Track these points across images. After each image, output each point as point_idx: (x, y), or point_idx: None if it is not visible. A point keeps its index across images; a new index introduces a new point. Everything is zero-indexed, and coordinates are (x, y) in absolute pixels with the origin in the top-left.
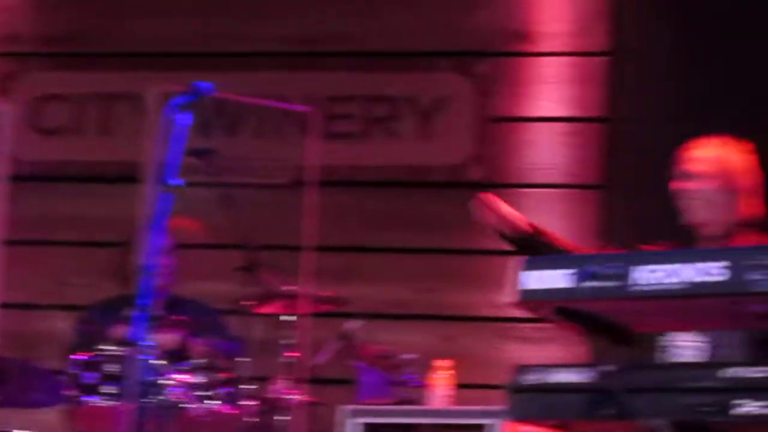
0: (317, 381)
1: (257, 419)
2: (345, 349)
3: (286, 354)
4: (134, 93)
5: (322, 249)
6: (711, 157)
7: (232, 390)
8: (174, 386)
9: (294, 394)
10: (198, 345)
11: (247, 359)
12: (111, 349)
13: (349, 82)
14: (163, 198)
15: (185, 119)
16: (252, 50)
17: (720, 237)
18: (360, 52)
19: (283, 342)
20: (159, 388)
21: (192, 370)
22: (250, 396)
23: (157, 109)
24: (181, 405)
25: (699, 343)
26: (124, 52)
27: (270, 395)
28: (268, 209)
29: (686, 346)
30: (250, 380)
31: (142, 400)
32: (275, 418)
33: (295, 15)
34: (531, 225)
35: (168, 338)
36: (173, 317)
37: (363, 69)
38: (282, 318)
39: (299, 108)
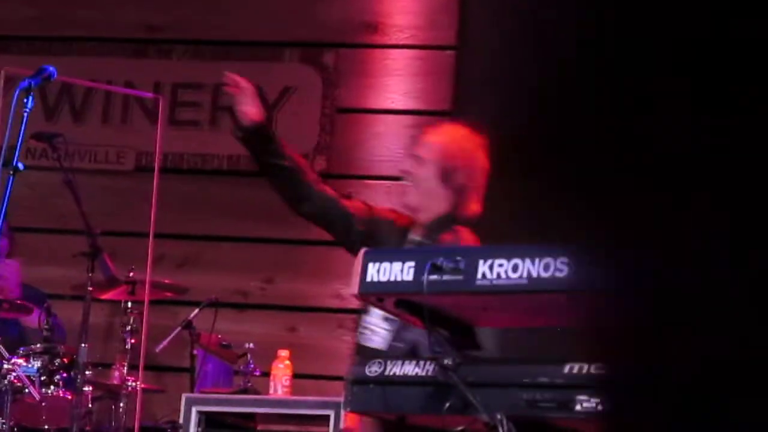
0: (157, 368)
1: (96, 405)
2: (186, 337)
3: (127, 341)
4: None
5: (164, 236)
6: (435, 145)
7: (71, 375)
8: (12, 371)
9: (133, 380)
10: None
11: (87, 345)
12: None
13: (197, 71)
14: (6, 180)
15: (29, 102)
16: (100, 35)
17: (432, 227)
18: (208, 41)
19: (124, 328)
20: None
21: (30, 355)
22: (88, 382)
23: (2, 92)
24: (19, 389)
25: (384, 330)
26: None
27: (109, 381)
28: (111, 195)
29: (375, 332)
30: (90, 366)
31: None
32: (114, 404)
33: (143, 2)
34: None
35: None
36: (14, 300)
37: (210, 57)
38: (123, 304)
39: (146, 94)
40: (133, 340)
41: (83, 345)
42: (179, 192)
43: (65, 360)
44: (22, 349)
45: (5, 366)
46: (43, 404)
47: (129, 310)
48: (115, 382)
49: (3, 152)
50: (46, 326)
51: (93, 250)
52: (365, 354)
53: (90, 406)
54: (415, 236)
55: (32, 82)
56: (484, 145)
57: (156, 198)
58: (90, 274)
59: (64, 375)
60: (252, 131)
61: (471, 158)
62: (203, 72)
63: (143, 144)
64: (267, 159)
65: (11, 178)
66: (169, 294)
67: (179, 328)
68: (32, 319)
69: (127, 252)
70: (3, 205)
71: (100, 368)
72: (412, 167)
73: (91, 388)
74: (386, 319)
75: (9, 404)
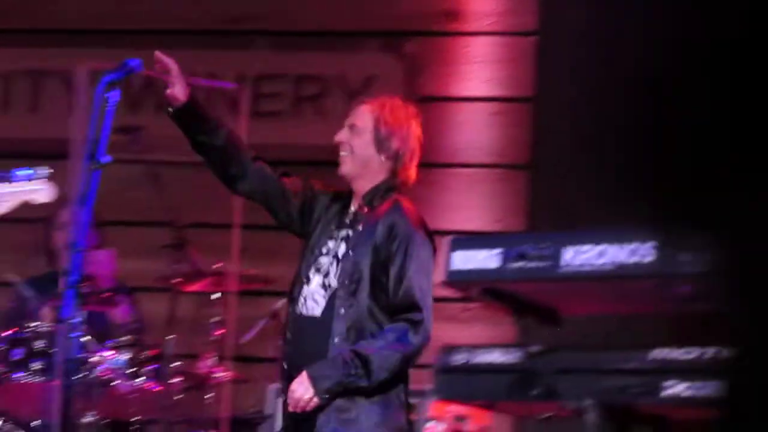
0: (244, 359)
1: (184, 396)
2: (272, 327)
3: (213, 332)
4: (63, 70)
5: (249, 227)
6: (370, 113)
7: (159, 367)
8: (101, 363)
9: (222, 371)
10: (122, 316)
11: (175, 336)
12: (39, 325)
13: (278, 61)
14: (92, 175)
15: (114, 96)
16: (180, 28)
17: (369, 196)
18: (289, 32)
19: (210, 320)
20: (86, 365)
21: (118, 347)
22: (176, 373)
23: (85, 86)
24: (108, 382)
25: (323, 299)
26: (52, 28)
27: (197, 372)
28: (196, 187)
29: (317, 300)
30: (177, 357)
31: (69, 377)
32: (202, 395)
33: None
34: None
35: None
36: (101, 294)
37: (291, 48)
38: (210, 296)
39: (228, 86)
40: (219, 331)
41: (170, 337)
42: None
43: (153, 352)
44: (109, 341)
45: (94, 358)
46: (131, 396)
47: (216, 301)
48: (202, 372)
49: (88, 146)
50: (134, 319)
51: (178, 242)
52: (302, 323)
53: (178, 397)
54: (353, 207)
55: (115, 76)
56: (417, 114)
57: None
58: (175, 267)
59: (152, 367)
60: (181, 111)
61: (406, 126)
62: (285, 63)
63: None
64: (199, 138)
65: (97, 172)
66: (254, 285)
67: (266, 319)
68: (118, 313)
69: (211, 243)
70: (90, 199)
71: (187, 359)
72: (347, 137)
73: (178, 380)
74: (324, 287)
75: (98, 396)
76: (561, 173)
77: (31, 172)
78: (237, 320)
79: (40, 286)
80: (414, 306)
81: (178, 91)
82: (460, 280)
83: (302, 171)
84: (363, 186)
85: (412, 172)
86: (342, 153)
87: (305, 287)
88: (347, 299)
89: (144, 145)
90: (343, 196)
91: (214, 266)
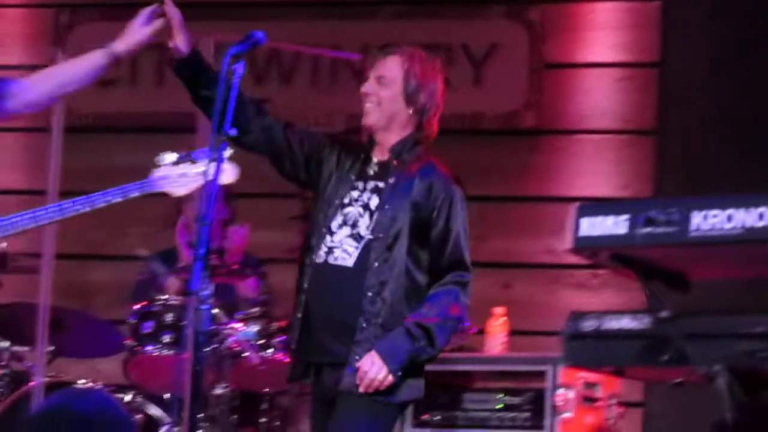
0: None
1: None
2: None
3: None
4: None
5: None
6: (399, 66)
7: (287, 338)
8: (231, 335)
9: None
10: (250, 290)
11: None
12: (169, 298)
13: (402, 30)
14: (219, 147)
15: (239, 68)
16: (304, 0)
17: (396, 149)
18: (412, 1)
19: None
20: (216, 338)
21: (248, 319)
22: None
23: (211, 59)
24: (238, 354)
25: (355, 249)
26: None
27: None
28: None
29: (348, 251)
30: None
31: (199, 349)
32: None
33: None
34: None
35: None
36: (230, 266)
37: (415, 17)
38: None
39: (352, 56)
40: None
41: None
42: None
43: (282, 324)
44: (239, 313)
45: (224, 331)
46: (261, 368)
47: None
48: None
49: (214, 119)
50: (262, 291)
51: (306, 213)
52: (329, 273)
53: None
54: (376, 159)
55: (240, 49)
56: (442, 69)
57: None
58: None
59: (282, 338)
60: (183, 63)
61: (433, 80)
62: (410, 32)
63: (352, 106)
64: (200, 91)
65: (224, 144)
66: None
67: None
68: (245, 287)
69: None
70: (218, 172)
71: None
72: (374, 88)
73: None
74: (355, 238)
75: (228, 369)
76: (687, 138)
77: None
78: None
79: (169, 259)
80: (461, 264)
81: (180, 42)
82: (587, 247)
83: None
84: (388, 138)
85: (435, 126)
86: (368, 104)
87: (328, 237)
88: (383, 253)
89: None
90: (358, 146)
91: None
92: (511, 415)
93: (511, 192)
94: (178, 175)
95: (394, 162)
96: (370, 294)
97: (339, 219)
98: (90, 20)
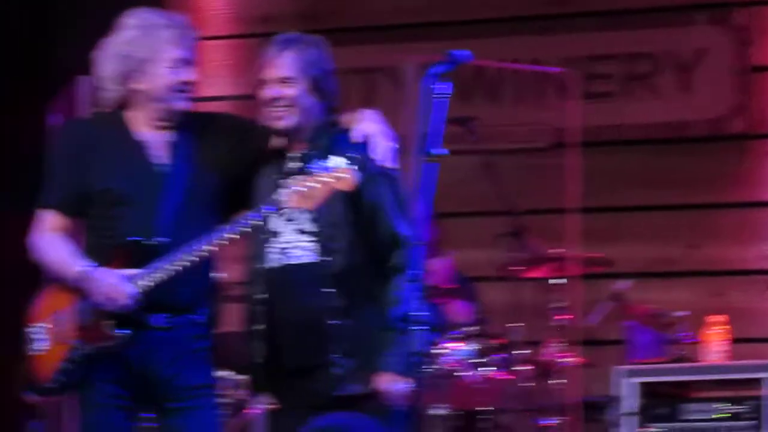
0: (589, 343)
1: (533, 384)
2: (615, 310)
3: (556, 317)
4: (392, 66)
5: (586, 210)
6: (296, 60)
7: (505, 356)
8: (448, 355)
9: (567, 357)
10: (463, 312)
11: (520, 324)
12: None
13: (605, 42)
14: (428, 168)
15: (445, 88)
16: (501, 16)
17: (314, 138)
18: (614, 11)
19: (553, 305)
20: (433, 358)
21: (464, 338)
22: (523, 361)
23: (415, 81)
24: (455, 373)
25: (309, 243)
26: (377, 25)
27: (543, 359)
28: (530, 173)
29: (301, 247)
30: (523, 345)
31: (418, 370)
32: (550, 381)
33: None
34: None
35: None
36: (445, 287)
37: (618, 27)
38: (551, 281)
39: (556, 70)
40: (561, 317)
41: (515, 324)
42: (597, 165)
43: (498, 341)
44: (455, 332)
45: (437, 351)
46: (479, 386)
47: (557, 287)
48: (547, 359)
49: (420, 140)
50: (475, 310)
51: (515, 230)
52: (287, 275)
53: (524, 385)
54: (295, 152)
55: (442, 68)
56: (328, 46)
57: (577, 173)
58: (514, 254)
59: (499, 356)
60: None
61: (327, 60)
62: (612, 42)
63: (557, 120)
64: None
65: (430, 165)
66: (595, 268)
67: (609, 301)
68: (455, 309)
69: (547, 229)
70: (428, 192)
71: (530, 346)
72: (280, 91)
73: (526, 367)
74: (304, 233)
75: (446, 388)
76: None
77: (329, 165)
78: (580, 304)
79: None
80: (397, 241)
81: None
82: None
83: (637, 151)
84: (302, 131)
85: (336, 93)
86: (280, 109)
87: (273, 240)
88: (329, 244)
89: (478, 134)
90: (271, 150)
91: (552, 251)
92: (729, 423)
93: (721, 199)
94: None
95: (312, 150)
96: (332, 290)
97: (278, 220)
98: None
